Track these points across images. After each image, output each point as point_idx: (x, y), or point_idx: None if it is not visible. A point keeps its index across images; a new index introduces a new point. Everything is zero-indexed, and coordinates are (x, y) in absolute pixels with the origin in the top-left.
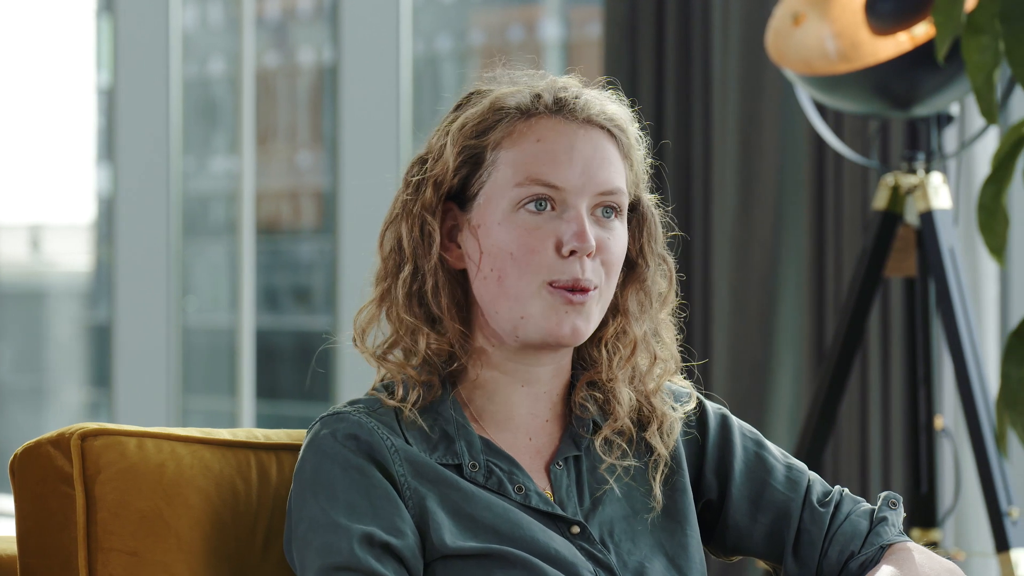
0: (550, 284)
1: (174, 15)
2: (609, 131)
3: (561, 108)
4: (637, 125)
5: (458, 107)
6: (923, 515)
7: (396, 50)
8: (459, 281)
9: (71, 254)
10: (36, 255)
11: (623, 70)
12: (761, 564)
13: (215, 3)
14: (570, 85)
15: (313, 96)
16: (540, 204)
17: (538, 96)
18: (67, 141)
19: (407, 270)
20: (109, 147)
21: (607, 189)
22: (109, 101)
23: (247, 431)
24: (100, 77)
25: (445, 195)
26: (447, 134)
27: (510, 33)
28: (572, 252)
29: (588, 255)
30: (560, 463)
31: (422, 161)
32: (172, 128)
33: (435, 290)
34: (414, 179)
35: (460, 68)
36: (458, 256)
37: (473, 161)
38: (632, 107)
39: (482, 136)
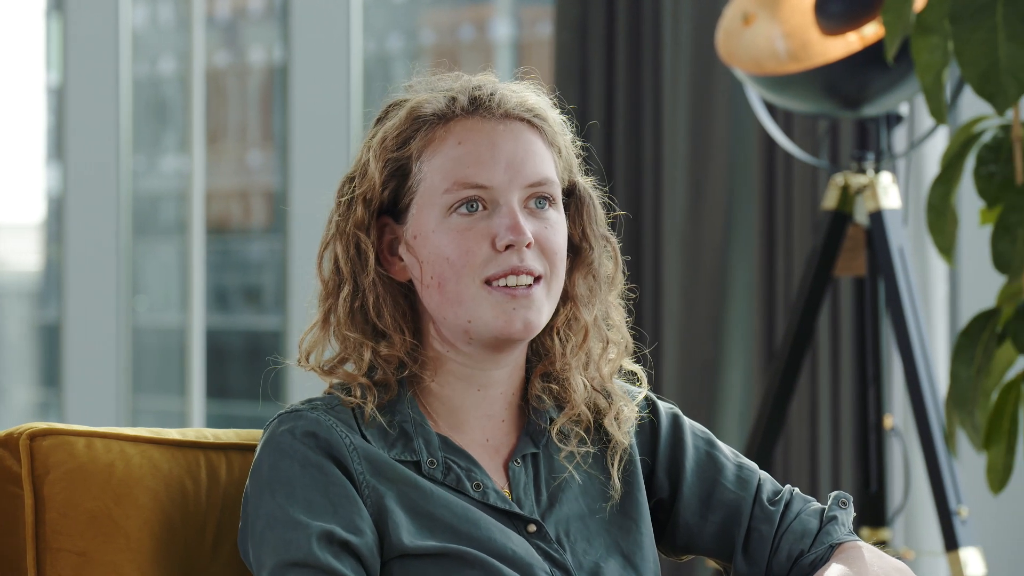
0: (487, 281)
1: (124, 14)
2: (530, 122)
3: (478, 107)
4: (558, 111)
5: (378, 121)
6: (873, 514)
7: (347, 49)
8: (405, 294)
9: (20, 253)
10: None
11: (574, 70)
12: (712, 563)
13: (165, 2)
14: (485, 83)
15: (263, 95)
16: (471, 206)
17: (453, 99)
18: (16, 140)
19: (347, 289)
20: (59, 146)
21: (535, 180)
22: (59, 100)
23: (197, 431)
24: (50, 76)
25: (377, 211)
26: (369, 149)
27: (461, 32)
28: (508, 246)
29: (527, 246)
30: (518, 461)
31: (350, 180)
32: (122, 127)
33: (377, 305)
34: (344, 198)
35: (411, 67)
36: (401, 269)
37: (400, 173)
38: (562, 102)
39: (403, 147)
